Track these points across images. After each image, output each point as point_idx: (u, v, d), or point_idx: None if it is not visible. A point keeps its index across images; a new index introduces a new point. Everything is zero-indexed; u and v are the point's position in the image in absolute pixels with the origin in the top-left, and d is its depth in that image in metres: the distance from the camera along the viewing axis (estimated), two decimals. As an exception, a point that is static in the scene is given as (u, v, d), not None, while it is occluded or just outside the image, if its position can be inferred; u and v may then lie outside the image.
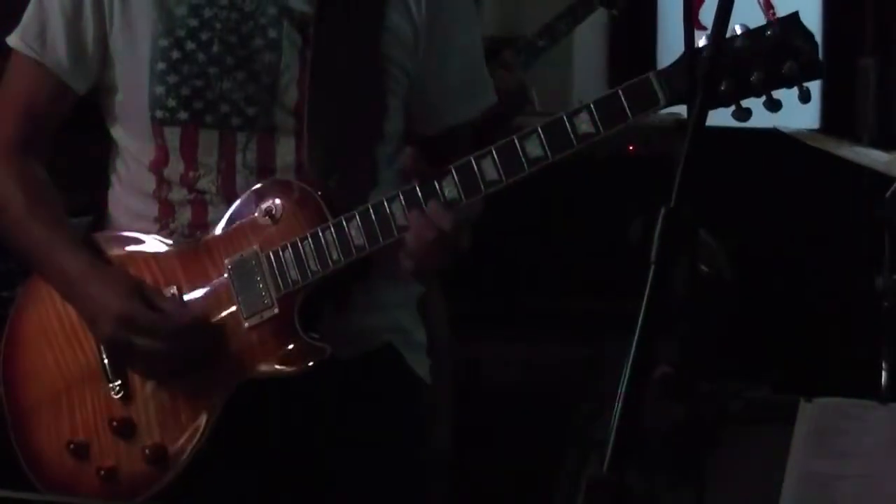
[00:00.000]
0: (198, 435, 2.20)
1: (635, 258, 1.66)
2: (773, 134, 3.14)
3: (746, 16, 1.95)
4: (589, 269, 4.03)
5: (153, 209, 2.26)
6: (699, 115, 1.61)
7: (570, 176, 3.91)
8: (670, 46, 4.43)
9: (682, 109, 2.00)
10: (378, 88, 2.23)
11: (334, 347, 2.16)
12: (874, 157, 3.22)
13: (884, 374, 3.07)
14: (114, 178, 2.34)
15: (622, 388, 1.57)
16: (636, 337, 1.58)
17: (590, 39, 4.04)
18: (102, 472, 2.24)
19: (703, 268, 3.51)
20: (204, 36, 2.21)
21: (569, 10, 3.97)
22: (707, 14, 1.83)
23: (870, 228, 3.31)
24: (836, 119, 4.23)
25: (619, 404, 1.58)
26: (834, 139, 3.33)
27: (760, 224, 4.34)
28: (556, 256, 4.08)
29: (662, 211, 1.61)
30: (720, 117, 1.84)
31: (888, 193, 3.10)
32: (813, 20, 4.45)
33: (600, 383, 3.85)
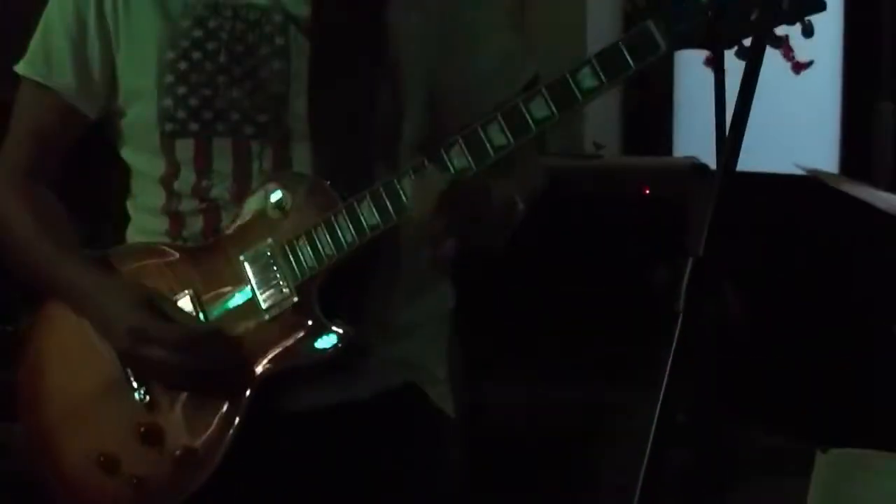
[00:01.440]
0: (227, 434, 2.18)
1: (658, 305, 1.64)
2: (791, 177, 3.12)
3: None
4: (599, 313, 4.01)
5: (163, 224, 2.26)
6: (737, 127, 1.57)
7: (583, 217, 3.90)
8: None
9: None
10: (391, 88, 2.21)
11: (353, 384, 2.17)
12: (892, 202, 3.20)
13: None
14: (129, 205, 2.34)
15: (651, 436, 1.56)
16: (664, 385, 1.57)
17: (602, 30, 4.01)
18: (135, 482, 2.22)
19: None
20: (210, 46, 2.20)
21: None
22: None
23: (889, 273, 3.29)
24: (854, 163, 4.21)
25: (648, 451, 1.57)
26: (852, 182, 3.31)
27: (777, 268, 4.31)
28: (565, 298, 4.06)
29: (690, 261, 1.60)
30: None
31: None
32: (833, 64, 4.45)
33: (609, 428, 3.83)
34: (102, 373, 2.25)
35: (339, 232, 2.12)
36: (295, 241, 2.15)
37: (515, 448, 3.93)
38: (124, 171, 2.34)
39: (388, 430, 2.26)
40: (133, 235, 2.33)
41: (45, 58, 2.27)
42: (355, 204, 2.11)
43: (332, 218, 2.13)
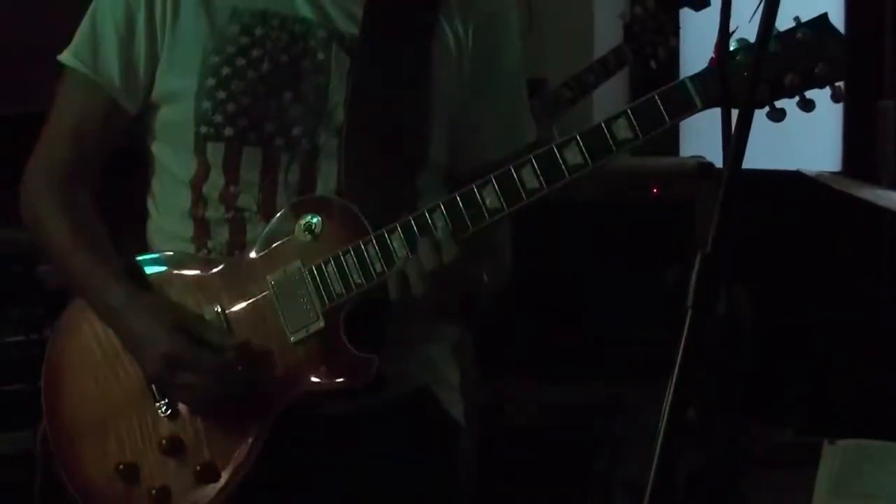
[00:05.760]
0: (248, 454, 2.18)
1: (670, 303, 1.66)
2: (795, 176, 3.15)
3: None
4: (611, 313, 4.03)
5: (188, 229, 2.26)
6: (743, 127, 1.60)
7: (593, 219, 3.92)
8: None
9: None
10: (423, 115, 2.22)
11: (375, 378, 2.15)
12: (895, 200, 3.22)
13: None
14: (150, 204, 2.34)
15: (661, 432, 1.56)
16: (674, 380, 1.56)
17: (611, 35, 4.04)
18: (154, 493, 2.22)
19: (727, 312, 3.50)
20: (255, 53, 2.20)
21: (600, 62, 3.97)
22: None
23: (892, 271, 3.31)
24: (857, 162, 4.22)
25: (658, 448, 1.56)
26: (855, 182, 3.33)
27: (782, 266, 4.33)
28: (577, 299, 4.07)
29: (699, 256, 1.60)
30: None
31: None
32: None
33: (622, 426, 3.84)
34: (125, 382, 2.26)
35: (368, 261, 2.12)
36: (323, 266, 2.15)
37: (529, 447, 3.94)
38: (144, 168, 2.33)
39: (401, 433, 2.27)
40: (156, 236, 2.32)
41: (93, 50, 2.26)
42: (385, 234, 2.11)
43: (362, 246, 2.12)
